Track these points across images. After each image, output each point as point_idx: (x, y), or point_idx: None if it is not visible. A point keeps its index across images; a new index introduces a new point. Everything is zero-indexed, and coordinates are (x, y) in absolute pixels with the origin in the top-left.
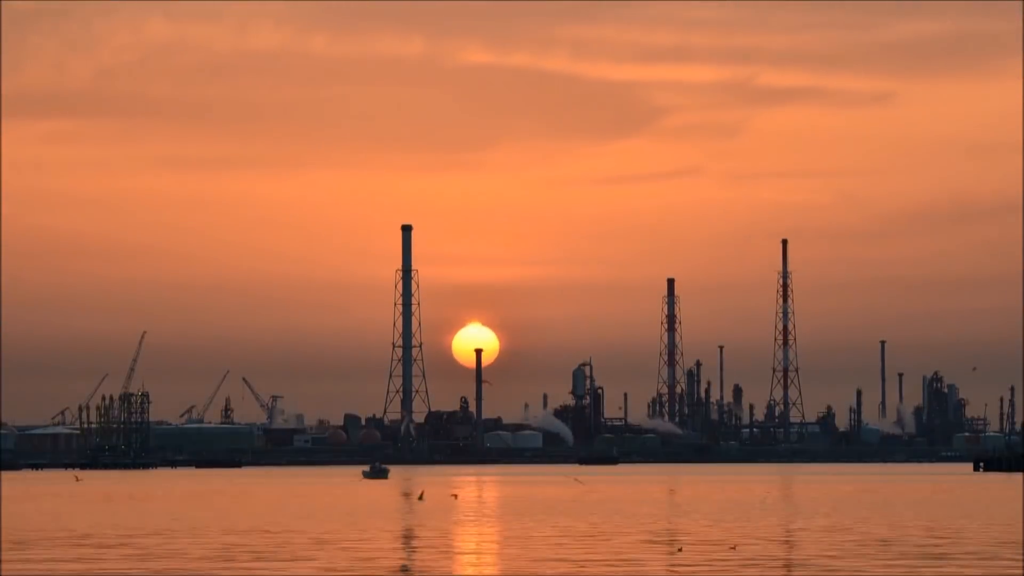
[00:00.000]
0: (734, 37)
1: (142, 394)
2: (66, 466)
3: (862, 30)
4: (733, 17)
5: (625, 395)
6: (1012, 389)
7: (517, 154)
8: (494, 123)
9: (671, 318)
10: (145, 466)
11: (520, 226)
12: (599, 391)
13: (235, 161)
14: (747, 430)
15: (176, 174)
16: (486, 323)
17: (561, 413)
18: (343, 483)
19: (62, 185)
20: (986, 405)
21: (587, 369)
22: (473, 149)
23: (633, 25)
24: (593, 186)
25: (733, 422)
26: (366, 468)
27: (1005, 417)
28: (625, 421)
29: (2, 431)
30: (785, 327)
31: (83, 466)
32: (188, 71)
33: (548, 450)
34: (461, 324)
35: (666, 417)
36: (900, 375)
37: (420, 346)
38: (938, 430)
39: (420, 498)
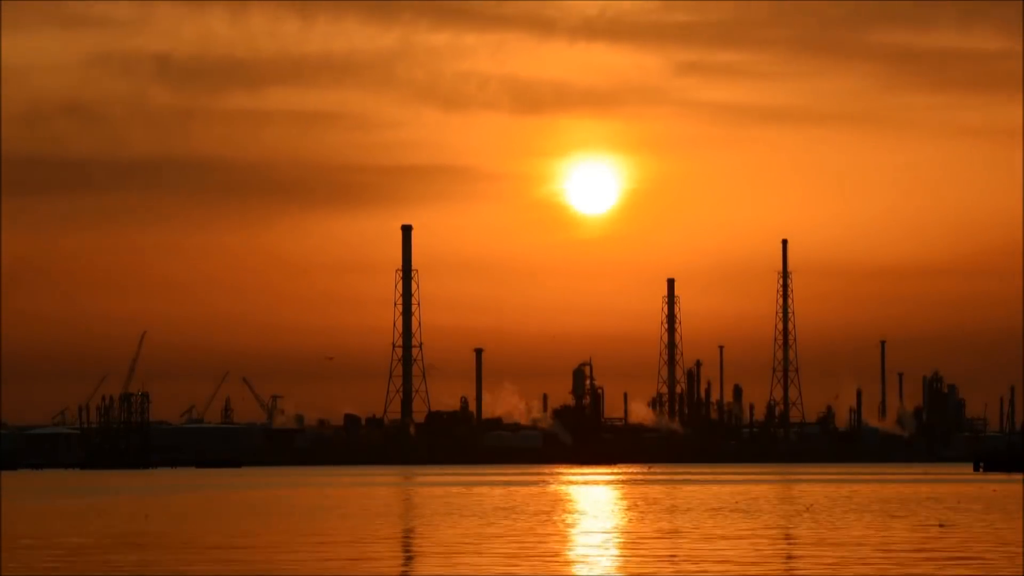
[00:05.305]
0: None
1: (142, 394)
2: (66, 466)
3: None
4: None
5: (625, 395)
6: (1012, 389)
7: None
8: None
9: (671, 318)
10: (145, 466)
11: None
12: (599, 391)
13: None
14: (747, 430)
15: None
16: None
17: (561, 413)
18: None
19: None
20: (986, 405)
21: (587, 369)
22: None
23: None
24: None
25: (733, 422)
26: None
27: (1005, 417)
28: (625, 421)
29: (2, 431)
30: (785, 327)
31: (83, 466)
32: None
33: (548, 450)
34: None
35: (666, 417)
36: (900, 375)
37: (420, 346)
38: (938, 430)
39: None
